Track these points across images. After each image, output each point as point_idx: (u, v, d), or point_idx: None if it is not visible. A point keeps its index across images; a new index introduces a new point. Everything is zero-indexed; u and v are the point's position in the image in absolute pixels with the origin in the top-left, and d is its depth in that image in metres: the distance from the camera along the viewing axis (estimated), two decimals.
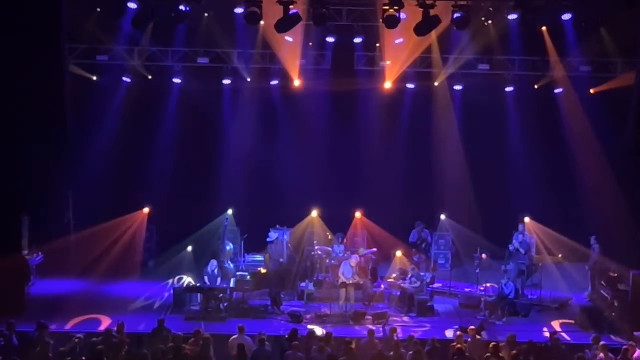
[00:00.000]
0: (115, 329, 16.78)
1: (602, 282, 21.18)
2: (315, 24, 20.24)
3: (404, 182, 25.66)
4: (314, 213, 24.11)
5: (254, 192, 25.40)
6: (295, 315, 19.91)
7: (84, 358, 15.51)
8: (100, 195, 23.99)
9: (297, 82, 24.01)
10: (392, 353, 15.77)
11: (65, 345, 15.85)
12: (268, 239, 23.01)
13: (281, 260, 22.53)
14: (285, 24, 19.64)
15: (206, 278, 20.84)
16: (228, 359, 16.12)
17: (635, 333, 16.82)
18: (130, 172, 24.78)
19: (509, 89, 25.00)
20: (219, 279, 20.91)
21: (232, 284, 20.97)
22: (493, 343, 16.06)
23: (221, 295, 20.30)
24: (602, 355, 15.78)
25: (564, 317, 20.51)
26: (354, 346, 16.00)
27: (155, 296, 21.60)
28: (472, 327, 17.24)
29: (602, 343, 16.22)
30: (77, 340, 16.08)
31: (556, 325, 19.90)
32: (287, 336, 16.69)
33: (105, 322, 18.97)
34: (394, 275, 22.30)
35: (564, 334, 18.87)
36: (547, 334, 17.25)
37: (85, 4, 22.32)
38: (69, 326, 18.64)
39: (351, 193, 25.25)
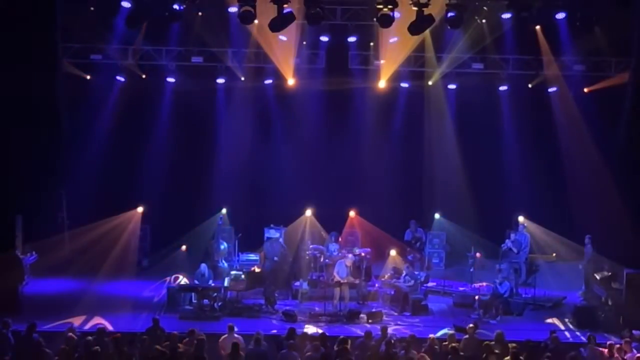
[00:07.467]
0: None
1: (596, 281, 21.20)
2: (309, 22, 20.20)
3: (398, 181, 25.64)
4: (308, 212, 24.09)
5: (248, 191, 25.39)
6: (290, 315, 19.89)
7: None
8: (94, 194, 24.01)
9: (291, 81, 23.92)
10: (383, 351, 15.75)
11: (58, 345, 15.79)
12: (266, 235, 22.99)
13: (275, 259, 22.50)
14: (279, 23, 19.61)
15: (196, 282, 20.81)
16: (220, 359, 16.08)
17: (635, 332, 16.83)
18: (124, 171, 24.70)
19: (502, 88, 24.98)
20: (210, 281, 20.87)
21: (226, 283, 20.96)
22: (485, 342, 16.03)
23: (215, 294, 20.28)
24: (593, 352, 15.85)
25: (558, 316, 20.52)
26: (348, 345, 15.97)
27: (150, 295, 21.58)
28: (472, 325, 17.17)
29: (595, 341, 16.28)
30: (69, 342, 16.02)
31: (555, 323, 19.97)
32: (285, 335, 16.62)
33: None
34: (388, 274, 22.31)
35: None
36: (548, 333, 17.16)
37: (79, 3, 22.26)
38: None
39: (345, 192, 25.25)
